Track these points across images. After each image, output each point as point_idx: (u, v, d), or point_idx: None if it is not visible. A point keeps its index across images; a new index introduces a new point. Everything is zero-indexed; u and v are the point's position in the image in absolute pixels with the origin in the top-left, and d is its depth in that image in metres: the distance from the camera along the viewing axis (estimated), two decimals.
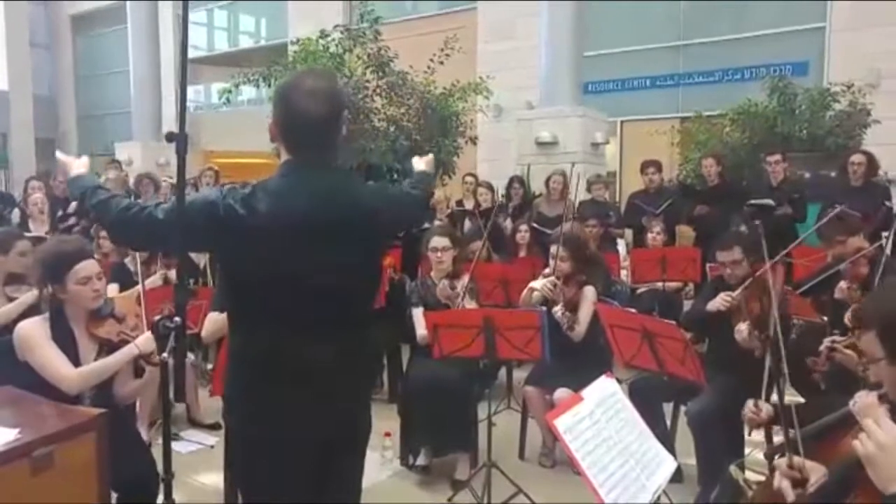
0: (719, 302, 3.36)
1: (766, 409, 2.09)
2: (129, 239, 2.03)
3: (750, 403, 2.13)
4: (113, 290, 4.41)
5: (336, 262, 1.78)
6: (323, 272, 1.76)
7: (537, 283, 3.74)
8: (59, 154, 1.99)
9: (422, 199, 2.33)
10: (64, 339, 2.55)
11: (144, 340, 2.54)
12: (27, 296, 3.26)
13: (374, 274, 1.99)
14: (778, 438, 1.95)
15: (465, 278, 3.86)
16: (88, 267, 2.59)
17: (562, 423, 1.81)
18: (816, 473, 1.59)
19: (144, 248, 3.57)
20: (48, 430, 1.98)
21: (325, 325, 1.81)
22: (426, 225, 6.26)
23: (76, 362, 2.53)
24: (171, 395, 1.81)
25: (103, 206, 1.78)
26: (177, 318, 1.65)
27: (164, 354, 1.67)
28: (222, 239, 1.72)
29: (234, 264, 1.79)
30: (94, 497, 2.09)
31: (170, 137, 1.70)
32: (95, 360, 2.57)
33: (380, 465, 3.71)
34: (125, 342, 2.58)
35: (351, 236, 1.80)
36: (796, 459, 1.62)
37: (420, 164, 2.42)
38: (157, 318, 1.69)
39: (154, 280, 4.45)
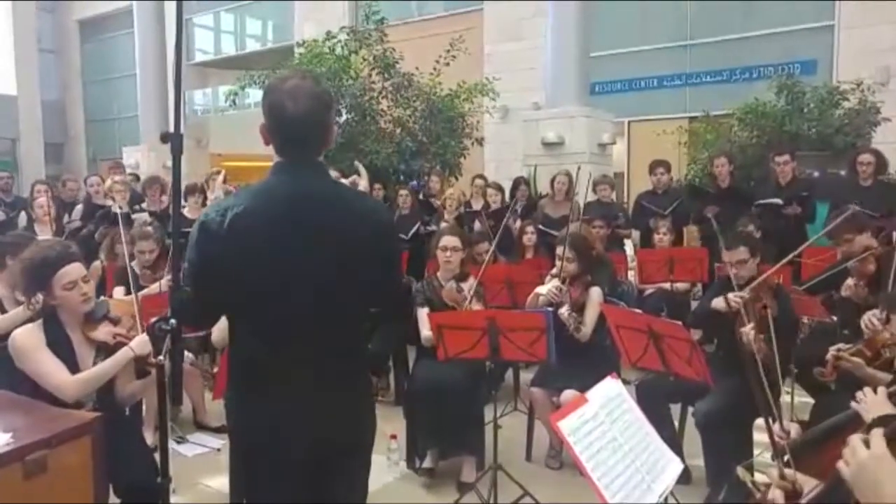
0: (723, 301, 3.32)
1: (794, 430, 2.07)
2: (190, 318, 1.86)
3: (776, 428, 2.01)
4: (119, 293, 4.43)
5: (313, 261, 1.74)
6: (300, 271, 1.73)
7: (543, 289, 3.71)
8: None
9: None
10: (60, 345, 2.49)
11: (139, 343, 2.50)
12: (17, 312, 3.08)
13: (359, 276, 1.81)
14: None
15: (472, 281, 3.84)
16: (73, 271, 2.51)
17: (566, 425, 1.80)
18: (809, 486, 1.57)
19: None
20: (42, 435, 1.95)
21: (309, 326, 1.77)
22: (433, 227, 6.26)
23: (74, 367, 2.48)
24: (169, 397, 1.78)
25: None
26: (172, 321, 1.63)
27: (161, 357, 1.65)
28: (209, 248, 1.72)
29: (219, 265, 1.75)
30: (90, 502, 2.06)
31: (164, 138, 1.69)
32: (94, 363, 2.53)
33: (386, 467, 3.69)
34: (122, 344, 2.53)
35: (330, 235, 1.75)
36: (787, 472, 1.60)
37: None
38: (153, 320, 1.66)
39: (163, 284, 4.43)
